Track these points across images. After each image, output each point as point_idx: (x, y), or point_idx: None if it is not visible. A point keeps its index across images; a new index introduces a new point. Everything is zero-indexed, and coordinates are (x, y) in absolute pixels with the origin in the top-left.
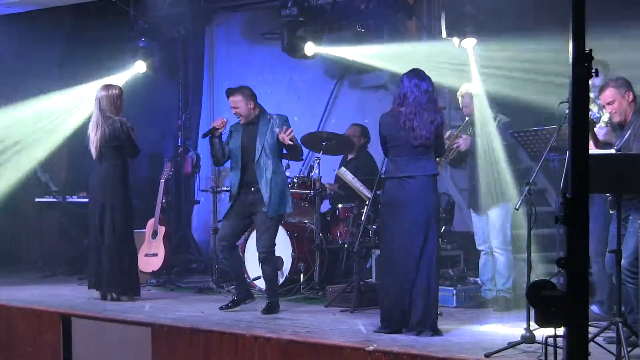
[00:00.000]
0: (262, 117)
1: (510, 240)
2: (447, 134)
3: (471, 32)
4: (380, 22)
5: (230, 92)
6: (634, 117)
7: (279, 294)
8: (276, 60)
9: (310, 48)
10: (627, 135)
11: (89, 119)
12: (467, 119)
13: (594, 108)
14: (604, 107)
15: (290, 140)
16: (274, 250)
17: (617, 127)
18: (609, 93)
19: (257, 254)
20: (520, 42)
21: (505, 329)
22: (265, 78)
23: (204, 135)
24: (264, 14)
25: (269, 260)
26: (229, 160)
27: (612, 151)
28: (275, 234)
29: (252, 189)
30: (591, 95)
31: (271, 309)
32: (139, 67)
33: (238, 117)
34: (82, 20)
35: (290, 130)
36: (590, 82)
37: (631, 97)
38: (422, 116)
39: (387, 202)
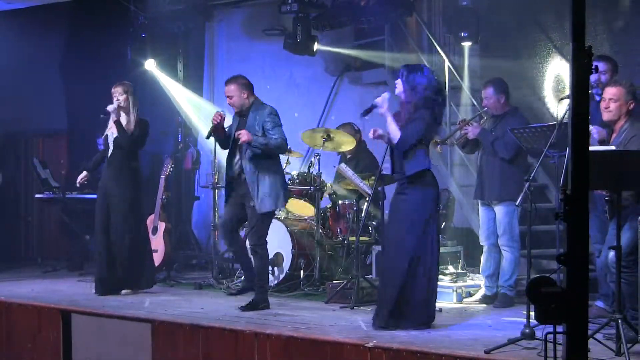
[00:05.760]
0: (254, 108)
1: (518, 237)
2: (459, 120)
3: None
4: (380, 18)
5: (226, 82)
6: (626, 125)
7: (279, 290)
8: (276, 56)
9: (315, 45)
10: (616, 142)
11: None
12: (484, 109)
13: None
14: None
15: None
16: (263, 244)
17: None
18: (617, 91)
19: None
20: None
21: (505, 325)
22: (266, 74)
23: (208, 137)
24: (265, 10)
25: (257, 252)
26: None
27: (613, 147)
28: (265, 228)
29: (243, 180)
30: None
31: (254, 305)
32: (149, 65)
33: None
34: (82, 16)
35: (241, 134)
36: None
37: (632, 106)
38: None
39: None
